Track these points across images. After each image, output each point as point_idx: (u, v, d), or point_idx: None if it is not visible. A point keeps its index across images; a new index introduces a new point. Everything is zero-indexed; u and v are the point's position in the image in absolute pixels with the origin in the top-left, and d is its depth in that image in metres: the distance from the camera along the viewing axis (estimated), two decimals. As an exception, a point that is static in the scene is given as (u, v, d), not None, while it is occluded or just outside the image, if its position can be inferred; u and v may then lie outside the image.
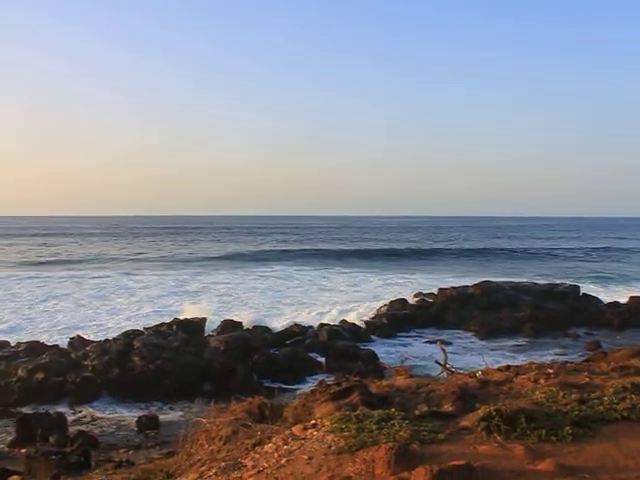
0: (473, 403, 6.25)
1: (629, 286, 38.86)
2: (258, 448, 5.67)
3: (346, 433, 5.37)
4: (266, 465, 5.16)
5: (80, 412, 16.61)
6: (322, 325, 25.33)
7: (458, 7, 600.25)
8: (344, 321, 26.45)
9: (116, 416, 16.31)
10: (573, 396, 6.20)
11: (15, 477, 10.08)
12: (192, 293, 35.95)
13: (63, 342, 21.76)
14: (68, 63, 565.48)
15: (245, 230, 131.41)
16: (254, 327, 24.56)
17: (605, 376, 7.53)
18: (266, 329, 24.61)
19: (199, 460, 6.07)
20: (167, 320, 24.59)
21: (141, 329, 23.16)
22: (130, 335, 21.52)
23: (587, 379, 7.27)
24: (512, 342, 25.20)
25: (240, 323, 24.74)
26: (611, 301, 31.46)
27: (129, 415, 16.20)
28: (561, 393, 6.34)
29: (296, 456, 5.19)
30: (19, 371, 18.11)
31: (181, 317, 25.03)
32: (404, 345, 24.49)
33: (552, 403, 6.05)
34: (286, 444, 5.53)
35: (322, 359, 21.19)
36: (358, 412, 5.92)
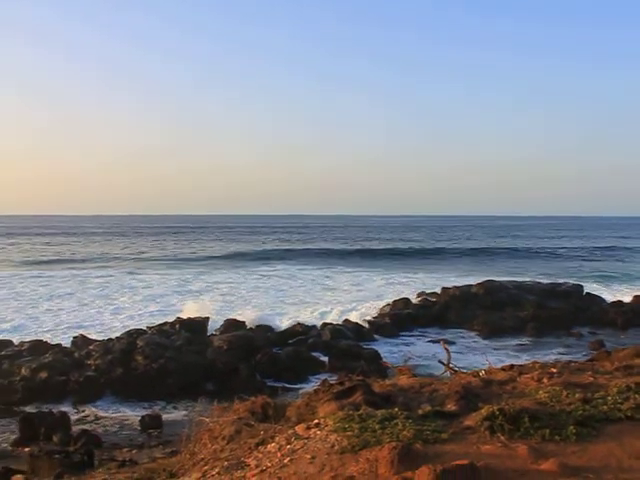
0: (476, 403, 6.23)
1: (633, 285, 38.74)
2: (261, 447, 5.66)
3: (349, 433, 5.36)
4: (269, 464, 5.15)
5: (83, 411, 16.65)
6: (325, 324, 25.33)
7: (458, 7, 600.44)
8: (347, 320, 26.44)
9: (119, 415, 16.34)
10: (577, 396, 6.18)
11: (19, 476, 10.10)
12: (195, 292, 35.98)
13: (66, 341, 21.80)
14: (68, 62, 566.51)
15: (248, 229, 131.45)
16: (257, 326, 24.56)
17: (609, 375, 7.51)
18: (269, 328, 24.64)
19: (202, 459, 6.07)
20: (170, 319, 24.61)
21: (144, 328, 23.21)
22: (133, 334, 21.56)
23: (591, 378, 7.25)
24: (515, 341, 25.18)
25: (243, 322, 24.75)
26: (615, 300, 31.43)
27: (132, 414, 16.23)
28: (565, 393, 6.32)
29: (299, 455, 5.18)
30: (22, 370, 18.16)
31: (181, 315, 25.08)
32: (407, 344, 24.48)
33: (556, 403, 6.03)
34: (289, 443, 5.52)
35: (325, 358, 21.18)
36: (361, 411, 5.91)
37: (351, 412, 5.90)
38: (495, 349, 23.66)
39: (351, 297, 33.79)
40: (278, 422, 6.47)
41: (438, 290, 32.64)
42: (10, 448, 13.67)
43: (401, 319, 27.76)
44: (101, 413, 16.52)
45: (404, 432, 5.25)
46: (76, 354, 20.02)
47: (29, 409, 16.20)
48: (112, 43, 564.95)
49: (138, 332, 22.06)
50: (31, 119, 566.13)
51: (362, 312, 28.53)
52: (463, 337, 26.08)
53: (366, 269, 50.02)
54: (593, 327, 27.75)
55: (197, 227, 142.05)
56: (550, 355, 20.98)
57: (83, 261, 58.63)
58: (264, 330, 24.18)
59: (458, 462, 4.34)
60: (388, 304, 29.98)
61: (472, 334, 26.62)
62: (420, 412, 6.00)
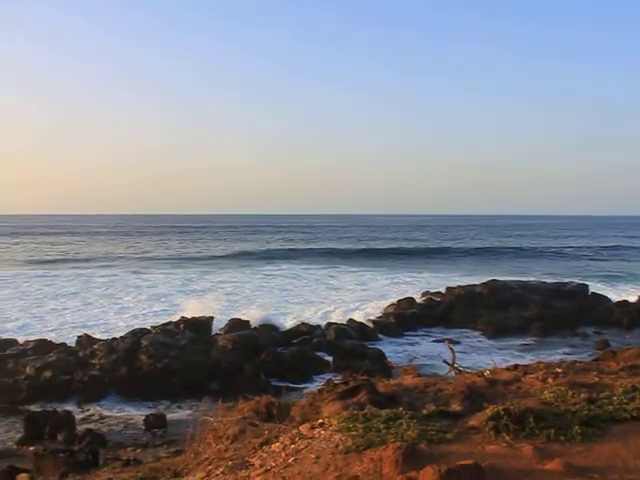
0: (481, 402, 6.22)
1: (638, 285, 38.51)
2: (265, 447, 5.66)
3: (354, 432, 5.35)
4: (273, 464, 5.15)
5: (88, 410, 16.67)
6: (330, 324, 25.31)
7: (458, 7, 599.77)
8: (351, 320, 26.41)
9: (124, 414, 16.36)
10: (582, 396, 6.16)
11: (24, 475, 10.12)
12: (199, 292, 36.00)
13: (71, 340, 21.84)
14: (68, 61, 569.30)
15: (251, 229, 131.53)
16: (261, 326, 24.57)
17: (614, 375, 7.48)
18: (273, 328, 24.64)
19: (206, 459, 6.07)
20: (174, 319, 24.63)
21: (148, 328, 23.21)
22: (138, 334, 21.57)
23: (596, 378, 7.22)
24: (520, 341, 25.12)
25: (247, 322, 24.75)
26: (620, 300, 31.32)
27: (137, 413, 16.24)
28: (570, 392, 6.29)
29: (303, 455, 5.17)
30: (27, 369, 18.20)
31: (182, 314, 25.08)
32: (412, 344, 24.45)
33: (561, 403, 6.01)
34: (293, 443, 5.52)
35: (329, 358, 21.18)
36: (366, 411, 5.90)
37: (355, 412, 5.89)
38: (500, 349, 23.61)
39: (355, 297, 33.76)
40: (282, 422, 6.47)
41: (443, 290, 32.60)
42: (15, 447, 13.70)
43: (405, 319, 27.73)
44: (105, 412, 16.54)
45: (409, 432, 5.23)
46: (80, 353, 20.06)
47: (34, 408, 16.23)
48: (113, 42, 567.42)
49: (142, 331, 22.07)
50: (31, 119, 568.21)
51: (366, 312, 28.53)
52: (468, 337, 26.03)
53: (370, 269, 49.98)
54: (598, 327, 27.66)
55: (201, 227, 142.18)
56: (555, 355, 20.92)
57: (87, 260, 58.76)
58: (268, 330, 24.18)
59: (463, 462, 4.32)
60: (392, 304, 29.95)
61: (477, 334, 26.57)
62: (425, 412, 5.99)
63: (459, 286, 32.54)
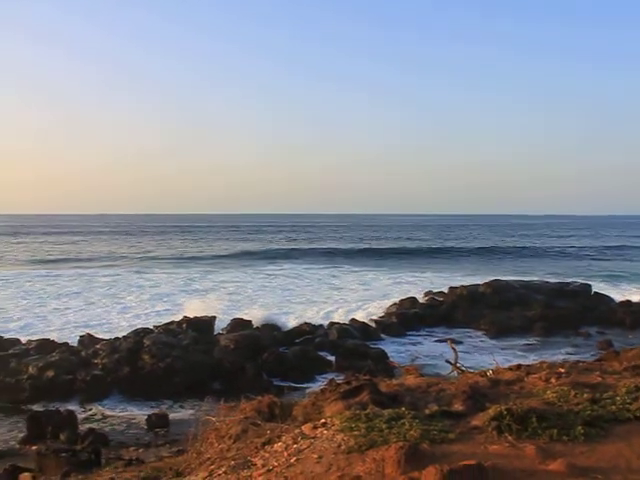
0: (484, 402, 6.21)
1: (641, 285, 38.52)
2: (268, 447, 5.65)
3: (356, 432, 5.35)
4: (276, 464, 5.14)
5: (90, 410, 16.68)
6: (332, 324, 25.31)
7: (458, 7, 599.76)
8: (354, 320, 26.41)
9: (126, 414, 16.37)
10: (585, 396, 6.15)
11: (26, 474, 10.13)
12: (202, 291, 36.01)
13: (73, 340, 21.85)
14: (69, 61, 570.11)
15: (253, 229, 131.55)
16: (264, 325, 24.57)
17: (617, 375, 7.47)
18: (276, 327, 24.64)
19: (209, 458, 6.07)
20: (177, 318, 24.63)
21: (151, 327, 23.24)
22: (140, 333, 21.58)
23: (599, 378, 7.21)
24: (523, 341, 25.09)
25: (250, 322, 24.76)
26: (623, 300, 31.24)
27: (139, 413, 16.26)
28: (573, 393, 6.28)
29: (306, 455, 5.17)
30: (30, 369, 18.21)
31: (185, 314, 25.09)
32: (414, 344, 24.44)
33: (564, 403, 6.00)
34: (296, 443, 5.51)
35: (332, 358, 21.16)
36: (368, 411, 5.89)
37: (358, 412, 5.89)
38: (502, 349, 23.58)
39: (358, 296, 33.73)
40: (285, 421, 6.46)
41: (445, 289, 32.57)
42: (18, 446, 13.72)
43: (408, 318, 27.71)
44: (108, 412, 16.56)
45: (411, 432, 5.23)
46: (83, 353, 20.07)
47: (36, 407, 16.25)
48: (113, 42, 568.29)
49: (145, 331, 22.08)
50: (31, 119, 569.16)
51: (369, 311, 28.52)
52: (470, 337, 26.00)
53: (372, 268, 49.95)
54: (601, 327, 27.61)
55: (203, 226, 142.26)
56: (558, 355, 20.88)
57: (90, 260, 58.80)
58: (271, 329, 24.18)
59: (465, 462, 4.32)
60: (395, 303, 29.93)
61: (479, 334, 26.55)
62: (427, 412, 5.98)
63: (462, 286, 32.51)
